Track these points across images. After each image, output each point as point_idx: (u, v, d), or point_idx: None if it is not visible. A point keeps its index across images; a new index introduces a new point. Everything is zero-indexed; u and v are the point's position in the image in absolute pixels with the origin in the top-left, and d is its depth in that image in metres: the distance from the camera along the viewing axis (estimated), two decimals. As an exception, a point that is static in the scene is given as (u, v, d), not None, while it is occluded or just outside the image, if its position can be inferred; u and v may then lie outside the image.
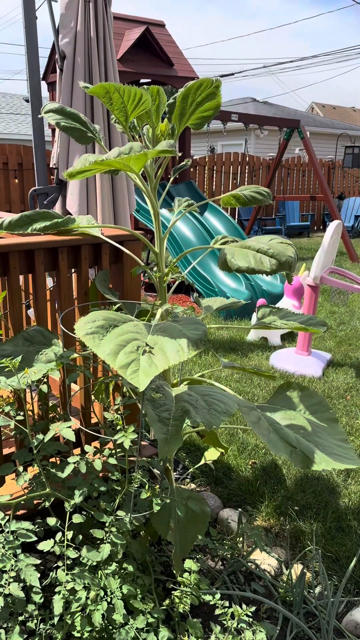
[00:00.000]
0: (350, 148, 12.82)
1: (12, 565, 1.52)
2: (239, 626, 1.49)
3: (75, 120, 1.81)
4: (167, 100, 1.69)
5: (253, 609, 1.45)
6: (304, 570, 1.81)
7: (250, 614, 1.44)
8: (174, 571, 1.75)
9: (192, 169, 10.95)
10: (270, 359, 4.23)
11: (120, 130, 1.74)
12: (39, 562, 1.57)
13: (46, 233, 2.05)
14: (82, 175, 1.49)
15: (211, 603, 1.53)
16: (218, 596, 1.53)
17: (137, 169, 1.47)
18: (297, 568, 1.99)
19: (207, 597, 1.58)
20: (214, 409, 1.61)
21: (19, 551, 1.56)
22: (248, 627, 1.49)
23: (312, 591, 1.90)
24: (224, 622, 1.48)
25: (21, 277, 2.58)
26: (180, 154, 1.39)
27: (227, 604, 1.53)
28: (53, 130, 6.48)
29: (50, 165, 4.07)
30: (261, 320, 2.08)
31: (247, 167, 12.46)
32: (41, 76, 5.29)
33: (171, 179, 1.96)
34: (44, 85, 7.61)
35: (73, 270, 2.11)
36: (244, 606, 1.46)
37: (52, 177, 4.50)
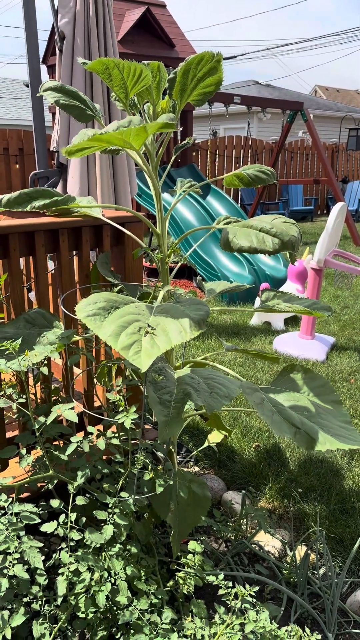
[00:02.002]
0: (355, 130, 12.67)
1: (16, 547, 1.52)
2: (243, 606, 1.49)
3: (75, 98, 1.78)
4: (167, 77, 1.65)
5: (257, 588, 1.45)
6: (308, 552, 1.81)
7: (253, 594, 1.44)
8: (173, 553, 1.76)
9: (194, 153, 10.84)
10: (273, 343, 4.22)
11: (121, 108, 1.71)
12: (42, 545, 1.57)
13: (46, 214, 2.03)
14: (82, 153, 1.46)
15: (215, 584, 1.53)
16: (222, 577, 1.53)
17: (137, 146, 1.44)
18: (301, 549, 1.99)
19: (211, 578, 1.58)
20: (215, 393, 1.59)
21: (22, 533, 1.57)
22: (252, 608, 1.49)
23: (316, 572, 1.91)
24: (228, 602, 1.48)
25: (22, 261, 2.56)
26: (181, 128, 1.36)
27: (230, 584, 1.53)
28: (53, 114, 6.41)
29: (51, 149, 4.02)
30: (265, 303, 2.06)
31: (249, 150, 12.33)
32: (40, 59, 5.22)
33: (172, 159, 1.92)
34: (43, 68, 7.52)
35: (74, 252, 2.09)
36: (247, 586, 1.45)
37: (52, 161, 4.46)
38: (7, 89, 21.22)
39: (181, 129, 1.49)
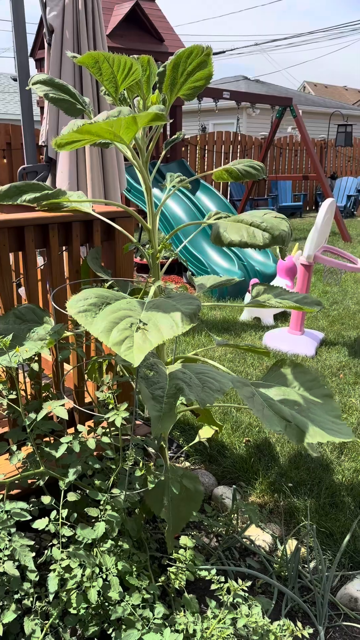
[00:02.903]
0: (343, 126, 12.71)
1: (7, 545, 1.52)
2: (235, 601, 1.50)
3: (64, 92, 1.76)
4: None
5: (249, 583, 1.46)
6: (299, 546, 1.82)
7: (246, 588, 1.45)
8: (167, 548, 1.76)
9: (183, 148, 10.81)
10: (263, 339, 4.23)
11: (110, 102, 1.69)
12: (32, 543, 1.56)
13: (36, 209, 2.01)
14: (72, 147, 1.45)
15: (207, 578, 1.53)
16: (214, 572, 1.54)
17: (127, 139, 1.43)
18: (291, 543, 2.00)
19: (203, 573, 1.59)
20: (207, 387, 1.59)
21: (13, 530, 1.56)
22: (244, 602, 1.50)
23: (306, 566, 1.92)
24: (220, 597, 1.49)
25: (11, 256, 2.53)
26: (171, 120, 1.35)
27: (222, 579, 1.54)
28: (42, 109, 6.35)
29: (40, 143, 3.99)
30: (256, 298, 2.06)
31: (239, 146, 12.33)
32: (29, 53, 5.17)
33: (163, 153, 1.92)
34: (31, 62, 7.45)
35: (64, 247, 2.08)
36: (239, 581, 1.46)
37: (41, 156, 4.42)
38: (-6, 83, 20.99)
39: (171, 121, 1.48)
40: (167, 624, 1.54)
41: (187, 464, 2.54)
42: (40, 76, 1.79)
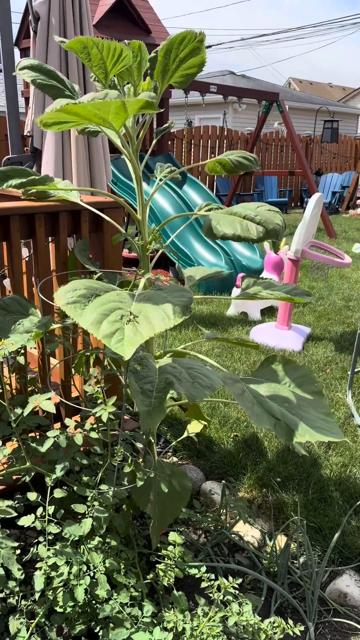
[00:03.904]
0: (330, 122, 12.74)
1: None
2: (225, 598, 1.48)
3: (52, 78, 1.71)
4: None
5: (239, 581, 1.44)
6: (289, 542, 1.81)
7: (236, 586, 1.43)
8: (153, 545, 1.73)
9: (169, 142, 10.74)
10: (250, 334, 4.21)
11: (100, 89, 1.65)
12: (17, 544, 1.52)
13: (22, 198, 1.96)
14: (58, 127, 1.40)
15: (197, 576, 1.50)
16: (204, 569, 1.51)
17: (117, 125, 1.39)
18: (280, 539, 1.99)
19: (193, 571, 1.56)
20: (198, 383, 1.56)
21: (-2, 527, 1.52)
22: (234, 600, 1.48)
23: (295, 562, 1.91)
24: (210, 594, 1.46)
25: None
26: (162, 110, 1.31)
27: (212, 576, 1.51)
28: (27, 100, 6.24)
29: (25, 133, 3.91)
30: (245, 290, 2.04)
31: (225, 140, 12.29)
32: (13, 41, 5.07)
33: (153, 143, 1.88)
34: (16, 52, 7.32)
35: (50, 238, 2.03)
36: (230, 578, 1.44)
37: (26, 148, 4.34)
38: (-22, 73, 20.65)
39: (162, 110, 1.44)
40: (156, 622, 1.52)
41: (175, 459, 2.51)
42: (28, 61, 1.74)
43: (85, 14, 3.67)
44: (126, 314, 1.31)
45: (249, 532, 2.02)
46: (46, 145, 3.54)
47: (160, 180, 2.06)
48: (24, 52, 7.04)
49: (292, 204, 14.13)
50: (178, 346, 3.86)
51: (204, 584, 1.46)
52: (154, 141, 1.88)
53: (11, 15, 3.87)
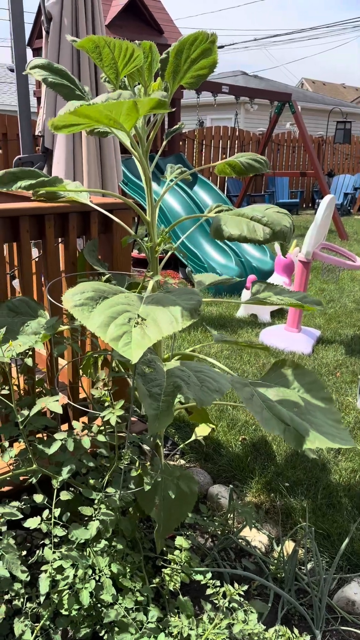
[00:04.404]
0: (342, 123, 12.66)
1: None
2: (231, 605, 1.46)
3: (63, 77, 1.70)
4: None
5: (245, 587, 1.42)
6: (296, 548, 1.79)
7: (242, 593, 1.41)
8: (157, 549, 1.72)
9: (180, 143, 10.73)
10: (259, 336, 4.19)
11: (111, 90, 1.64)
12: (23, 553, 1.52)
13: (32, 199, 1.95)
14: (69, 130, 1.39)
15: (202, 583, 1.49)
16: (209, 575, 1.50)
17: (128, 127, 1.37)
18: (288, 545, 1.97)
19: (198, 577, 1.55)
20: (206, 387, 1.55)
21: (4, 528, 1.51)
22: (240, 607, 1.46)
23: (303, 568, 1.89)
24: (216, 600, 1.45)
25: (5, 248, 2.47)
26: (173, 109, 1.30)
27: (218, 583, 1.50)
28: (38, 99, 6.26)
29: (36, 133, 3.92)
30: (256, 295, 2.02)
31: (236, 141, 12.26)
32: (26, 42, 5.08)
33: (164, 144, 1.86)
34: (29, 52, 7.35)
35: (60, 239, 2.02)
36: (235, 585, 1.42)
37: (37, 147, 4.35)
38: (-9, 73, 20.77)
39: (173, 109, 1.43)
40: (161, 628, 1.50)
41: (182, 461, 2.50)
42: (39, 60, 1.73)
43: (98, 14, 3.67)
44: (134, 317, 1.30)
45: (256, 537, 2.01)
46: (57, 145, 3.55)
47: (171, 181, 2.04)
48: (37, 52, 7.06)
49: (304, 205, 14.06)
50: (187, 347, 3.85)
51: (209, 591, 1.44)
52: (165, 142, 1.87)
53: (24, 15, 3.87)
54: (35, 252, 2.33)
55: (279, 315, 4.82)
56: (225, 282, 2.11)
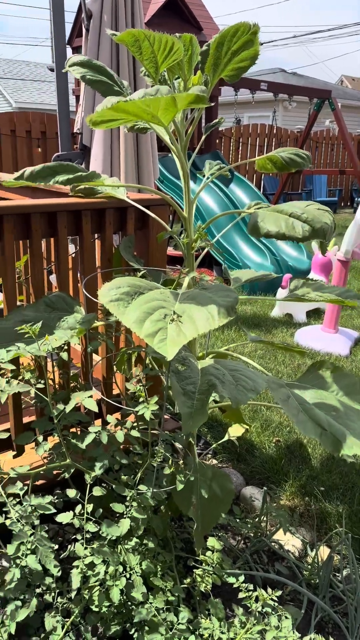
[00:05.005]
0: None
1: (30, 540, 1.47)
2: (264, 610, 1.43)
3: (102, 74, 1.70)
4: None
5: (279, 593, 1.38)
6: (331, 554, 1.74)
7: (276, 598, 1.37)
8: (195, 549, 1.69)
9: (217, 141, 10.67)
10: (295, 336, 4.12)
11: (150, 84, 1.62)
12: (56, 546, 1.52)
13: (69, 195, 1.96)
14: (107, 125, 1.38)
15: (235, 586, 1.46)
16: (242, 578, 1.47)
17: (165, 121, 1.36)
18: (323, 550, 1.92)
19: (231, 579, 1.52)
20: (241, 385, 1.52)
21: (37, 522, 1.52)
22: (273, 612, 1.42)
23: (338, 575, 1.83)
24: (248, 604, 1.42)
25: (43, 243, 2.50)
26: (212, 104, 1.27)
27: (250, 586, 1.47)
28: (77, 98, 6.32)
29: (74, 131, 3.95)
30: (294, 292, 1.97)
31: (274, 139, 12.12)
32: (66, 40, 5.13)
33: (202, 139, 1.84)
34: (69, 50, 7.43)
35: (97, 235, 2.02)
36: (269, 590, 1.39)
37: (75, 145, 4.39)
38: (32, 73, 21.17)
39: (212, 104, 1.40)
40: (191, 629, 1.48)
41: (215, 461, 2.47)
42: (77, 57, 1.73)
43: (137, 12, 3.67)
44: (169, 313, 1.28)
45: (289, 541, 1.96)
46: (95, 143, 3.56)
47: (210, 176, 2.02)
48: (76, 51, 7.13)
49: (342, 204, 13.79)
50: (220, 347, 3.81)
51: (242, 594, 1.41)
52: (203, 137, 1.84)
53: (64, 14, 3.91)
54: (72, 248, 2.34)
55: (315, 315, 4.72)
56: (262, 279, 2.07)
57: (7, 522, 1.47)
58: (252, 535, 1.95)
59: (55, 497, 1.66)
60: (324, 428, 1.52)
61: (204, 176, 2.05)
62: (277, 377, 3.33)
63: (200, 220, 6.09)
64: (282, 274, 5.45)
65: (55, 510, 1.57)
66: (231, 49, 1.52)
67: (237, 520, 1.93)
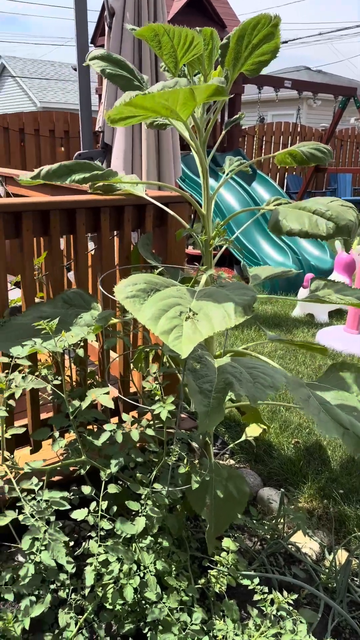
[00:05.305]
0: None
1: (44, 537, 1.47)
2: (279, 613, 1.40)
3: (122, 68, 1.69)
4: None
5: (295, 596, 1.36)
6: (350, 558, 1.70)
7: (291, 602, 1.35)
8: (208, 550, 1.68)
9: (240, 139, 10.61)
10: (316, 336, 4.06)
11: (169, 79, 1.61)
12: (68, 539, 1.52)
13: (88, 192, 1.96)
14: (125, 123, 1.37)
15: (250, 588, 1.44)
16: (257, 581, 1.45)
17: (184, 116, 1.34)
18: (341, 554, 1.88)
19: (245, 582, 1.50)
20: (259, 383, 1.49)
21: (52, 518, 1.52)
22: (288, 616, 1.40)
23: (356, 579, 1.80)
24: (263, 607, 1.40)
25: (62, 241, 2.50)
26: (232, 96, 1.25)
27: (266, 589, 1.44)
28: (99, 96, 6.34)
29: (96, 129, 3.96)
30: (315, 293, 1.94)
31: (297, 137, 11.99)
32: (89, 39, 5.15)
33: (223, 133, 1.82)
34: (91, 49, 7.46)
35: (115, 232, 2.02)
36: (285, 593, 1.36)
37: (97, 144, 4.40)
38: (56, 73, 21.37)
39: (232, 96, 1.38)
40: (205, 630, 1.47)
41: (232, 461, 2.45)
42: (98, 51, 1.73)
43: (160, 9, 3.66)
44: (185, 311, 1.27)
45: (307, 544, 1.93)
46: (116, 141, 3.57)
47: (230, 172, 1.99)
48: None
49: (366, 203, 13.58)
50: (240, 346, 3.78)
51: (257, 597, 1.39)
52: (223, 133, 1.82)
53: (87, 12, 3.92)
54: (91, 245, 2.34)
55: (337, 315, 4.66)
56: (283, 275, 2.04)
57: (20, 517, 1.47)
58: (268, 537, 1.93)
59: (71, 494, 1.66)
60: (346, 428, 1.49)
61: (224, 173, 2.03)
62: (297, 376, 3.30)
63: (220, 218, 6.06)
64: (304, 273, 5.39)
65: (69, 507, 1.57)
66: (252, 42, 1.50)
67: (254, 521, 1.90)
